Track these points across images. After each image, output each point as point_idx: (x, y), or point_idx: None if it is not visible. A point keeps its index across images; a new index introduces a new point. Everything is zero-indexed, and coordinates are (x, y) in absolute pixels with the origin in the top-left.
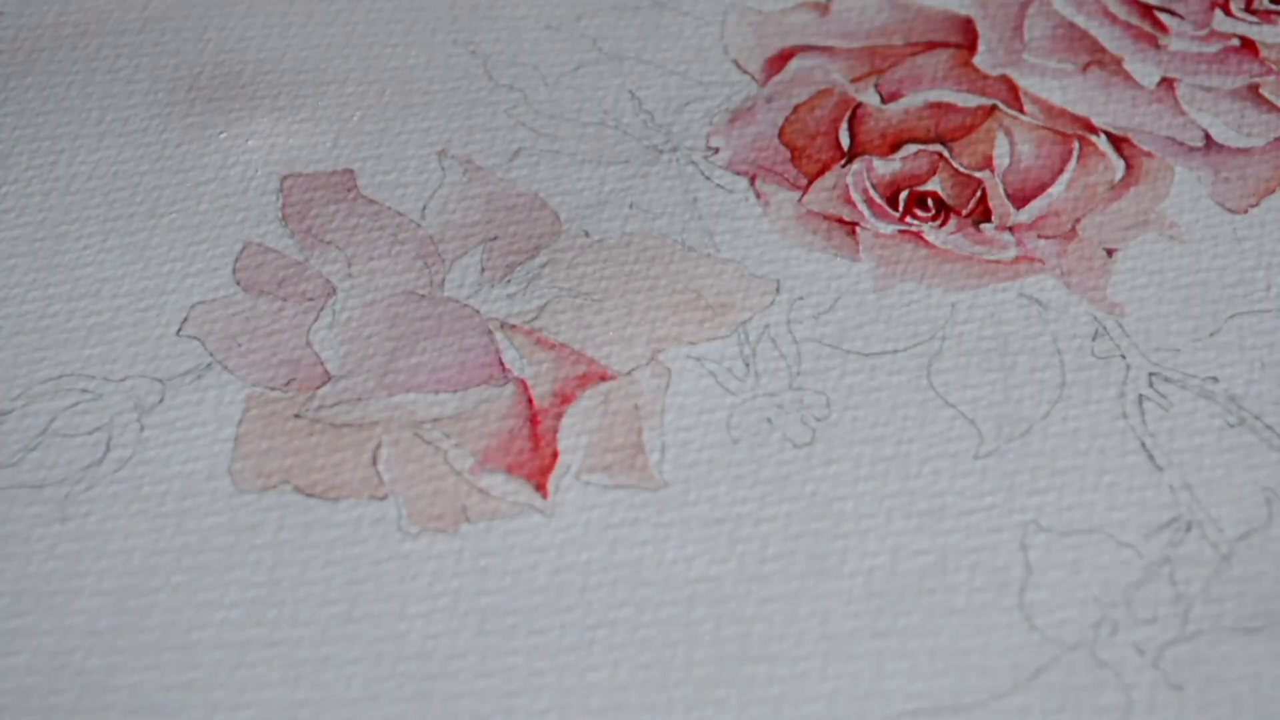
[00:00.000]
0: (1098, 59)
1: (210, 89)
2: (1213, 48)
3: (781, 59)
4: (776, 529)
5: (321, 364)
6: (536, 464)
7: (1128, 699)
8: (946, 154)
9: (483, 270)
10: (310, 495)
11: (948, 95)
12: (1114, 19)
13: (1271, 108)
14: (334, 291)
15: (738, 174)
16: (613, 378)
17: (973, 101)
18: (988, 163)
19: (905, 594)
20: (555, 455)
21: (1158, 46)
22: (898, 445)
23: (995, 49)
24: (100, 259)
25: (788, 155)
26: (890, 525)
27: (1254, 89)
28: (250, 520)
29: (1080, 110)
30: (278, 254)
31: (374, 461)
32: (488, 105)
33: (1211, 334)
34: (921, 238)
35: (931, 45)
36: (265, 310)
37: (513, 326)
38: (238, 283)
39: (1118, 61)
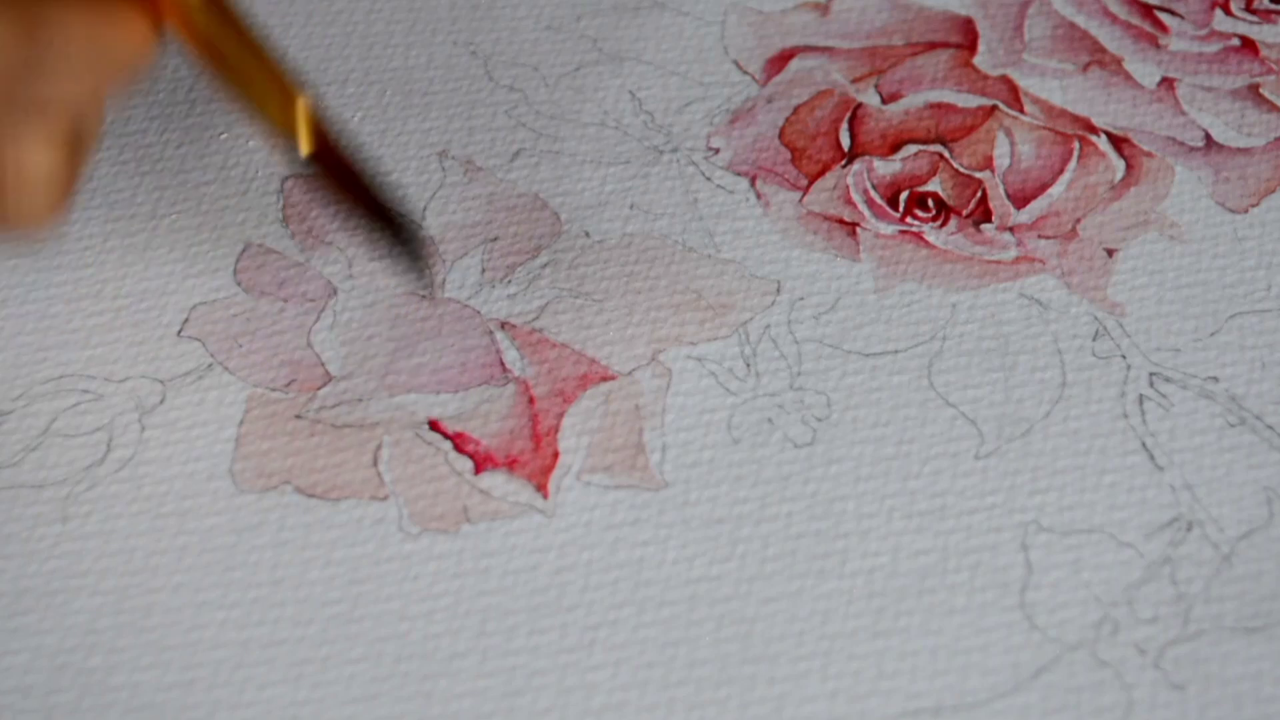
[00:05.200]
0: (1098, 59)
1: (211, 90)
2: (1213, 47)
3: (782, 59)
4: (777, 529)
5: (322, 365)
6: (537, 464)
7: (1129, 698)
8: (947, 154)
9: (483, 271)
10: (311, 496)
11: (948, 95)
12: (1114, 19)
13: (1271, 108)
14: (335, 292)
15: (738, 174)
16: (614, 378)
17: (973, 102)
18: (988, 163)
19: (906, 594)
20: (556, 455)
21: (1158, 46)
22: (898, 445)
23: (995, 49)
24: (101, 260)
25: (788, 156)
26: (891, 525)
27: (1254, 89)
28: (251, 520)
29: (1080, 110)
30: (279, 255)
31: (375, 462)
32: (488, 106)
33: (1212, 334)
34: (922, 238)
35: (932, 45)
36: (266, 311)
37: (513, 327)
38: (239, 284)
39: (1118, 61)
